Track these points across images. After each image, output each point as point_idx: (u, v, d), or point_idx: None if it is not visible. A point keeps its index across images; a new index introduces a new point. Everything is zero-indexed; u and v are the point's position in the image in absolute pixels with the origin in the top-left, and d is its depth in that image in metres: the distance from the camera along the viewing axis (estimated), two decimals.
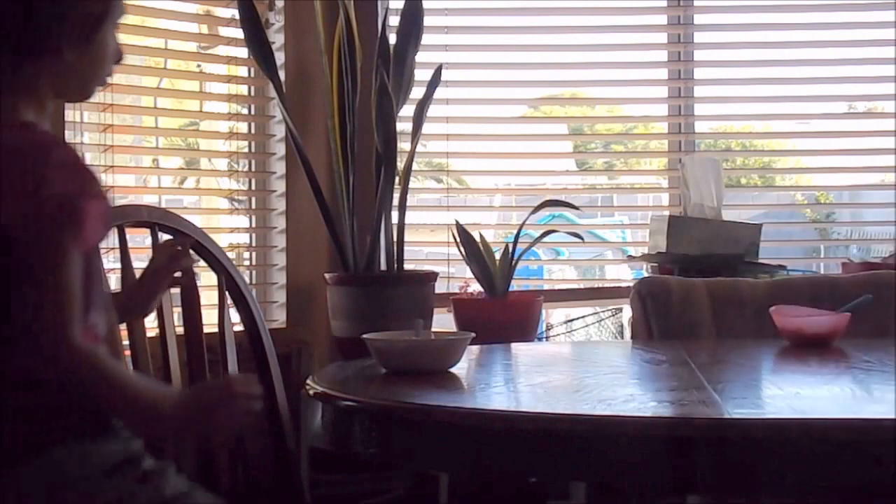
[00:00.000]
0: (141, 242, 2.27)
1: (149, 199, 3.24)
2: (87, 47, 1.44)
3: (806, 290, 2.66)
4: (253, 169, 3.27)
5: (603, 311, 3.46)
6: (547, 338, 3.42)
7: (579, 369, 2.00)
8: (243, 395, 1.42)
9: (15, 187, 1.33)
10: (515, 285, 3.13)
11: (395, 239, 3.00)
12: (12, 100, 1.42)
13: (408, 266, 3.08)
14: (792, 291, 2.64)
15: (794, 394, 1.63)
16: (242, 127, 3.27)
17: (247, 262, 3.25)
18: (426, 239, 3.63)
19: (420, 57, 3.05)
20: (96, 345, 1.41)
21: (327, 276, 2.95)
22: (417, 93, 3.07)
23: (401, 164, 2.99)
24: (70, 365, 1.33)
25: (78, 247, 1.35)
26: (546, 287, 3.83)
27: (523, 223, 3.00)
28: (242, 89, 3.28)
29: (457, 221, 2.97)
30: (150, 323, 1.92)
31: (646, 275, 3.14)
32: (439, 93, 3.11)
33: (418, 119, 3.04)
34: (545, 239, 3.17)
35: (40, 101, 1.45)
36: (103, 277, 1.52)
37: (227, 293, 2.01)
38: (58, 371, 1.33)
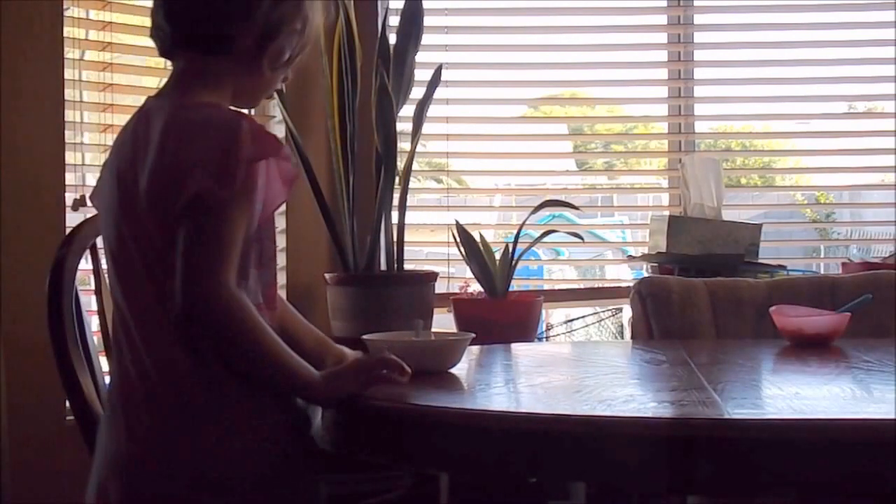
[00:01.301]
0: None
1: None
2: (277, 66, 1.59)
3: (806, 290, 2.66)
4: None
5: (603, 311, 3.45)
6: (547, 338, 3.42)
7: (579, 370, 2.00)
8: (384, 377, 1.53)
9: (210, 155, 1.44)
10: (515, 285, 3.13)
11: (395, 239, 3.00)
12: (196, 88, 1.56)
13: (408, 266, 3.08)
14: (792, 291, 2.64)
15: (794, 394, 1.63)
16: None
17: None
18: (426, 239, 3.63)
19: (420, 57, 3.05)
20: (272, 307, 1.57)
21: (327, 276, 2.95)
22: (417, 93, 3.07)
23: (401, 165, 2.99)
24: (221, 307, 1.41)
25: (252, 206, 1.46)
26: (546, 287, 3.83)
27: (523, 223, 3.00)
28: None
29: (457, 221, 2.97)
30: None
31: (646, 275, 3.13)
32: (439, 93, 3.11)
33: (418, 119, 3.04)
34: (545, 239, 3.17)
35: (221, 96, 1.57)
36: (274, 246, 1.61)
37: None
38: (209, 311, 1.41)
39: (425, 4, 3.04)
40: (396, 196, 3.01)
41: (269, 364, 1.48)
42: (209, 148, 1.45)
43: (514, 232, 3.06)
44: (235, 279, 1.45)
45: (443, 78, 3.09)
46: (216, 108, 1.55)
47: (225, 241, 1.44)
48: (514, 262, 2.92)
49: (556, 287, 3.89)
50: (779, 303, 2.32)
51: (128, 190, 1.50)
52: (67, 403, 1.81)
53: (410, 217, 3.06)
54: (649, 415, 1.45)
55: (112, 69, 2.94)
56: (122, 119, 3.10)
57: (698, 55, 3.61)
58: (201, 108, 1.53)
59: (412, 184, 3.13)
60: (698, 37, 3.61)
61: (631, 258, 3.60)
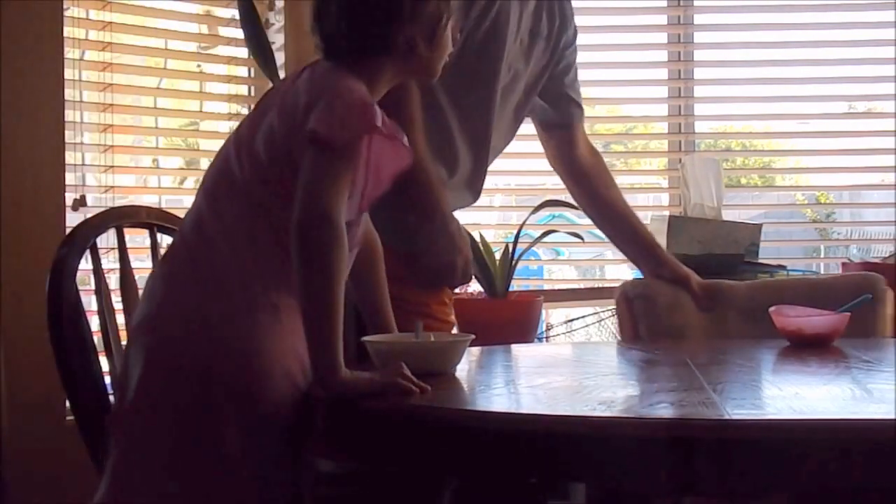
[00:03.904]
0: (141, 243, 2.27)
1: (149, 200, 3.24)
2: (434, 44, 1.69)
3: (805, 290, 2.65)
4: None
5: (603, 311, 3.45)
6: (547, 338, 3.42)
7: (579, 370, 2.00)
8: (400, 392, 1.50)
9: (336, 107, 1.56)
10: (515, 285, 3.13)
11: None
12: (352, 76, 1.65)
13: None
14: (790, 291, 2.64)
15: (794, 394, 1.63)
16: None
17: None
18: None
19: None
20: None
21: None
22: None
23: None
24: (327, 227, 1.48)
25: (355, 170, 1.56)
26: (546, 287, 3.83)
27: (523, 223, 2.99)
28: (242, 89, 3.28)
29: None
30: None
31: None
32: None
33: None
34: (545, 239, 3.16)
35: (375, 86, 1.66)
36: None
37: None
38: (317, 225, 1.48)
39: None
40: None
41: (325, 304, 1.49)
42: (340, 104, 1.57)
43: (514, 232, 3.05)
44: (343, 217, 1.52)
45: None
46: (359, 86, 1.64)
47: (339, 179, 1.52)
48: (514, 262, 2.91)
49: (556, 287, 3.89)
50: (776, 303, 2.32)
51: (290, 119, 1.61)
52: (67, 403, 1.81)
53: None
54: (649, 415, 1.45)
55: (112, 69, 2.94)
56: (121, 119, 3.11)
57: (698, 55, 3.61)
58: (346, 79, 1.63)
59: None
60: (698, 37, 3.61)
61: None
